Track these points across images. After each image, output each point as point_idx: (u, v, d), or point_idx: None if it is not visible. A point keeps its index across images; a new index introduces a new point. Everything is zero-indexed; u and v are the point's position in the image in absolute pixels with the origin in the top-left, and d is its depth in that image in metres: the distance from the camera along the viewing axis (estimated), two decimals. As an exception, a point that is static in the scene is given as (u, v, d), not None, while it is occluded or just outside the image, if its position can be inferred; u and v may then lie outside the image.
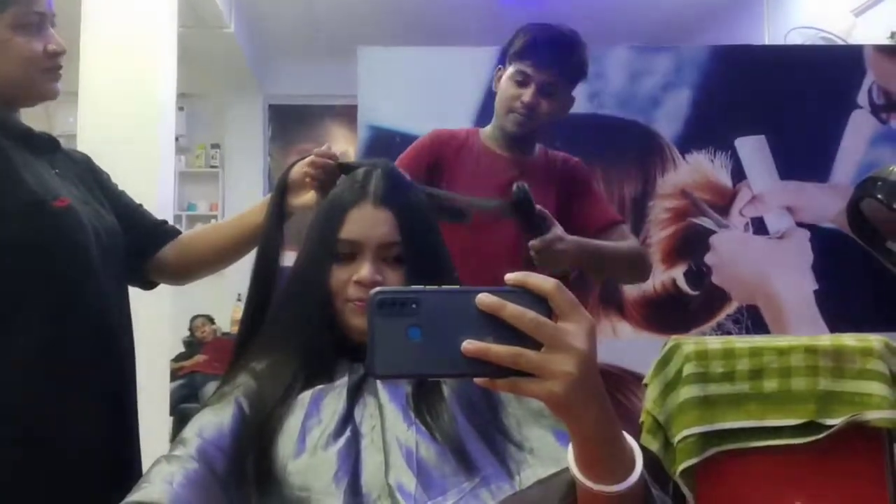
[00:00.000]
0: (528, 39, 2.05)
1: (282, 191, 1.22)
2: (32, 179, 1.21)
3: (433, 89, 2.16)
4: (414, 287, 0.62)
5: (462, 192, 2.04)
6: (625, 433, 0.69)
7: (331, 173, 1.20)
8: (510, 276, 0.62)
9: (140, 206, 1.47)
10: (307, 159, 1.23)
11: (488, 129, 2.10)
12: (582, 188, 2.12)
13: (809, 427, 1.46)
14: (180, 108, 5.30)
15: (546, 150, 2.11)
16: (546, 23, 2.11)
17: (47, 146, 1.32)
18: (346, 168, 1.17)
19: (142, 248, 1.40)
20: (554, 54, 2.06)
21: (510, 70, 2.05)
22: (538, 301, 0.61)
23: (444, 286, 0.62)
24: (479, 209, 1.90)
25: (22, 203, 1.18)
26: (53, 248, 1.20)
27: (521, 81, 2.03)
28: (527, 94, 2.02)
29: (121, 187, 1.46)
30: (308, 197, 1.22)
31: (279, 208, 1.19)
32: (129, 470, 1.25)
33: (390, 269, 0.99)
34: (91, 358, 1.23)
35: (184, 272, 1.47)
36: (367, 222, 1.00)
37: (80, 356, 1.21)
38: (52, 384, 1.18)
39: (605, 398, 0.65)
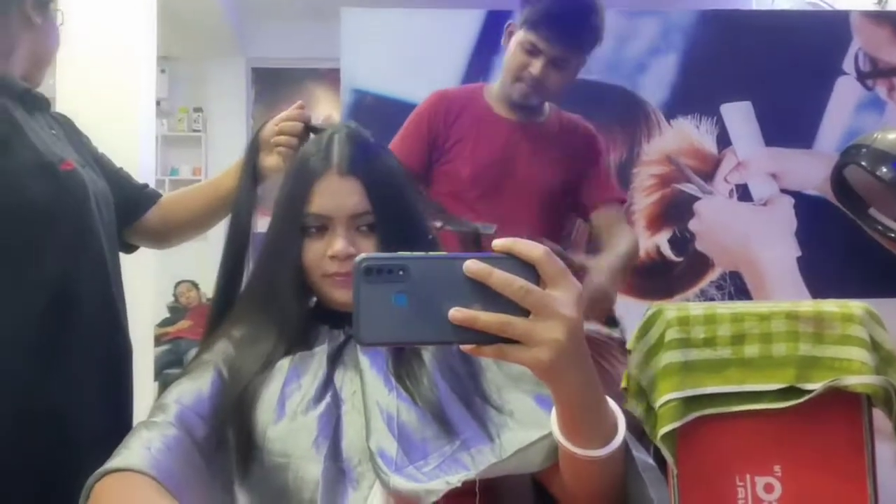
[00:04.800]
0: (541, 9, 1.96)
1: (253, 152, 1.20)
2: (37, 141, 1.19)
3: (418, 52, 2.13)
4: (401, 254, 0.61)
5: (464, 156, 1.99)
6: (609, 399, 0.70)
7: (300, 137, 1.18)
8: (498, 243, 0.62)
9: (121, 169, 1.46)
10: (277, 117, 1.20)
11: (495, 88, 2.04)
12: (593, 163, 2.07)
13: (789, 392, 1.47)
14: (162, 71, 5.22)
15: (559, 112, 2.05)
16: None
17: (41, 105, 1.30)
18: (315, 130, 1.15)
19: (125, 212, 1.39)
20: (567, 27, 1.97)
21: (521, 36, 1.97)
22: (526, 268, 0.61)
23: (430, 253, 0.62)
24: (457, 230, 1.84)
25: (32, 165, 1.16)
26: (61, 211, 1.18)
27: (531, 51, 1.95)
28: (536, 65, 1.94)
29: (101, 151, 1.44)
30: (281, 158, 1.20)
31: (251, 171, 1.17)
32: (121, 437, 1.24)
33: (363, 238, 0.98)
34: (94, 325, 1.21)
35: (165, 236, 1.46)
36: (334, 194, 0.97)
37: (84, 322, 1.19)
38: (57, 349, 1.16)
39: (590, 364, 0.65)
